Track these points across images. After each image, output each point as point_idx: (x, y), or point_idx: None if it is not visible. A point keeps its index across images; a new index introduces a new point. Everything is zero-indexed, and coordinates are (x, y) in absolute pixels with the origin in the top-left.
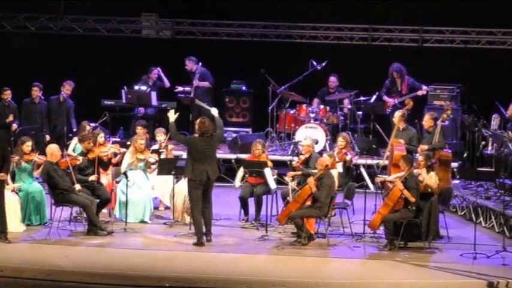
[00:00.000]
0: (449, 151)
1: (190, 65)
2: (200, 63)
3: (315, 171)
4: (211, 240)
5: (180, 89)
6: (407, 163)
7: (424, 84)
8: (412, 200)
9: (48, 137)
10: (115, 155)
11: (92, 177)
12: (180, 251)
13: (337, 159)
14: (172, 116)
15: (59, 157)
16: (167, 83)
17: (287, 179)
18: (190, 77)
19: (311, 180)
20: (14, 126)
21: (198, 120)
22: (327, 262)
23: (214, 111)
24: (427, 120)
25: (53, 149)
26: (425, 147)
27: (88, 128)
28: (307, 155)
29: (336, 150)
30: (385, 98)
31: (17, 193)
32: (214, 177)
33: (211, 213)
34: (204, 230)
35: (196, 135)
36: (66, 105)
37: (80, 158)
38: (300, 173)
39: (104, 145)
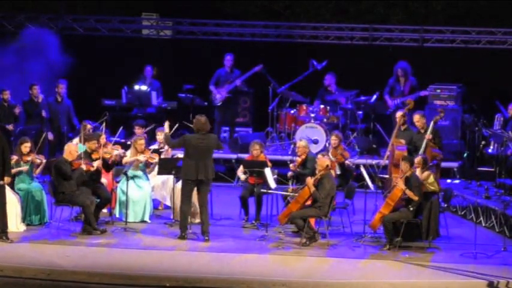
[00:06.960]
0: (439, 151)
1: None
2: None
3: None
4: (209, 240)
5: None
6: (408, 163)
7: (424, 84)
8: (415, 198)
9: (51, 136)
10: (120, 157)
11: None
12: (180, 251)
13: (333, 159)
14: (167, 128)
15: (75, 157)
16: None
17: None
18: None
19: (309, 181)
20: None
21: (195, 118)
22: (327, 262)
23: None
24: (418, 120)
25: (71, 147)
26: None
27: (89, 126)
28: (303, 157)
29: (330, 150)
30: (386, 98)
31: (17, 193)
32: (207, 177)
33: (208, 214)
34: (184, 226)
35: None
36: (65, 105)
37: (95, 164)
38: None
39: (106, 146)
